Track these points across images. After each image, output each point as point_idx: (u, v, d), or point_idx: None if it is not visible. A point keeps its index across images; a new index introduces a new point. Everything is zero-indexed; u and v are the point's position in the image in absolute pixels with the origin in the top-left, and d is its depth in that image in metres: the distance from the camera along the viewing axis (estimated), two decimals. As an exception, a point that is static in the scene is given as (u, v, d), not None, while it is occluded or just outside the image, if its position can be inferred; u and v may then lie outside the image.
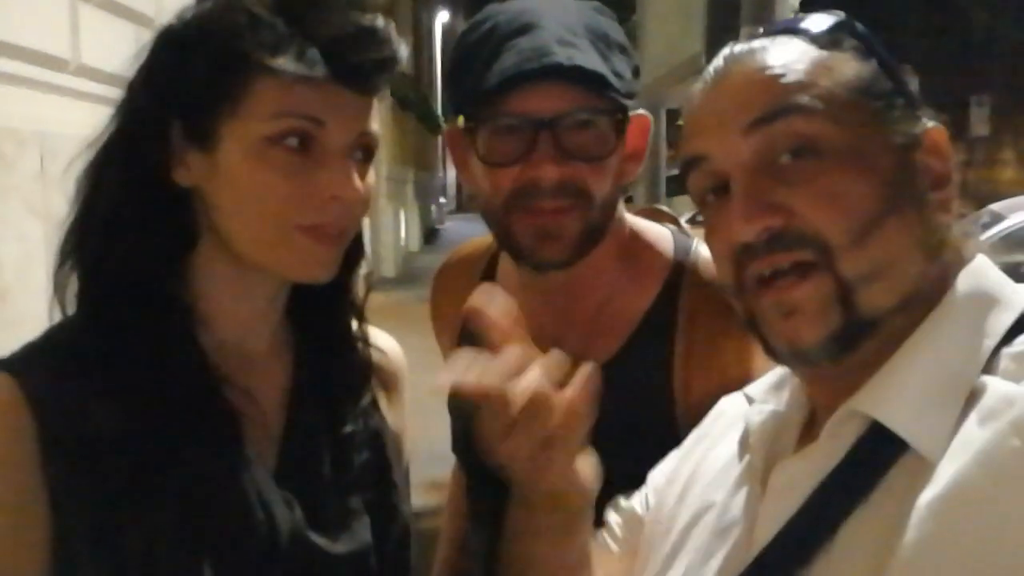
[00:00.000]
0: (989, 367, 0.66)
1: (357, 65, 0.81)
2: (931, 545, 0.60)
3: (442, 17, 28.01)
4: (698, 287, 1.09)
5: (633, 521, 0.92)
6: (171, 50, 0.84)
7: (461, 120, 1.08)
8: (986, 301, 0.70)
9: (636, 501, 0.94)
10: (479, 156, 1.05)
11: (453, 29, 25.56)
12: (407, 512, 0.99)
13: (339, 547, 0.88)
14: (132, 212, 0.83)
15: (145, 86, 0.85)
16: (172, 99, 0.83)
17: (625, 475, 0.93)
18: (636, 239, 1.16)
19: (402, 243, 15.33)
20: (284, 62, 0.78)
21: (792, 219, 0.70)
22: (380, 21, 0.83)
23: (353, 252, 0.93)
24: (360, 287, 0.99)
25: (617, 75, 1.02)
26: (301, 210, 0.82)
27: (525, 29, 1.01)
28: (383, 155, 13.03)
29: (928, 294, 0.71)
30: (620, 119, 1.04)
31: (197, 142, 0.83)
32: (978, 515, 0.59)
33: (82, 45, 2.82)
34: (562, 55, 0.99)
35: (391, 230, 13.50)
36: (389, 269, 13.02)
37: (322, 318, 0.96)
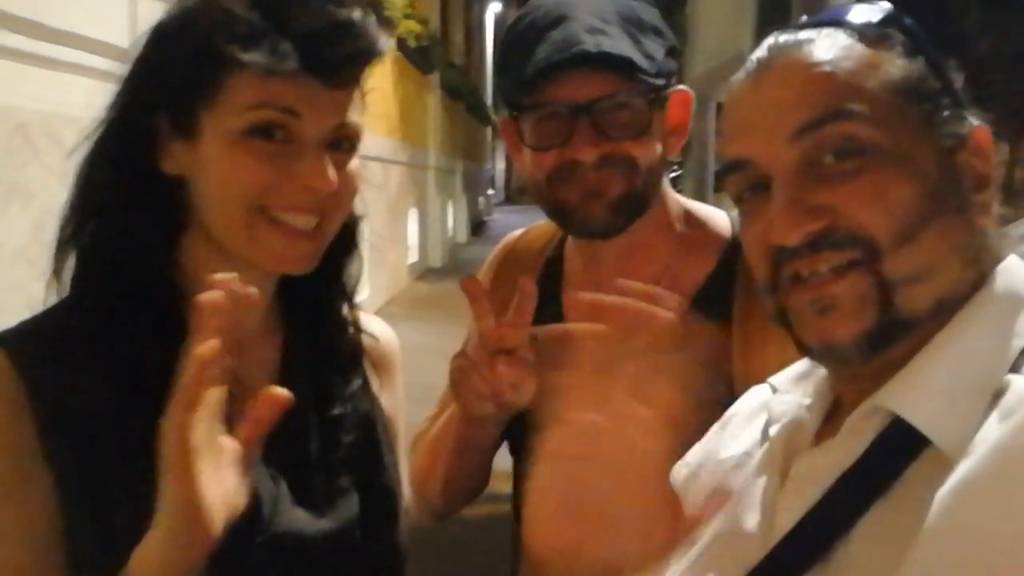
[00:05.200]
0: (1017, 366, 0.66)
1: (330, 58, 0.84)
2: (945, 539, 0.60)
3: (494, 8, 27.97)
4: None
5: None
6: (156, 45, 0.88)
7: (507, 112, 1.17)
8: (1016, 301, 0.70)
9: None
10: (524, 142, 1.14)
11: (504, 20, 25.49)
12: (397, 492, 1.01)
13: (324, 523, 0.90)
14: (123, 198, 0.87)
15: (135, 79, 0.89)
16: (158, 92, 0.86)
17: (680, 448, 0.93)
18: (690, 216, 1.22)
19: (449, 234, 15.37)
20: (256, 56, 0.81)
21: (837, 219, 0.69)
22: (357, 15, 0.85)
23: (344, 239, 0.97)
24: (354, 273, 1.01)
25: (648, 57, 1.08)
26: (275, 198, 0.85)
27: (558, 21, 1.09)
28: (432, 145, 13.07)
29: (963, 296, 0.70)
30: (654, 98, 1.10)
31: (181, 133, 0.86)
32: (989, 511, 0.59)
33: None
34: (590, 43, 1.06)
35: (439, 221, 13.54)
36: (436, 260, 13.07)
37: (312, 302, 0.99)
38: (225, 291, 0.69)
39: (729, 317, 1.12)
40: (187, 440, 0.66)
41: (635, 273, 1.15)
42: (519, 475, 1.25)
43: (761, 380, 0.98)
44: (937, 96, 0.72)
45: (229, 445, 0.72)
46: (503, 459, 1.31)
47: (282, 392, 0.71)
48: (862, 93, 0.70)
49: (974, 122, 0.74)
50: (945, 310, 0.70)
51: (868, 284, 0.68)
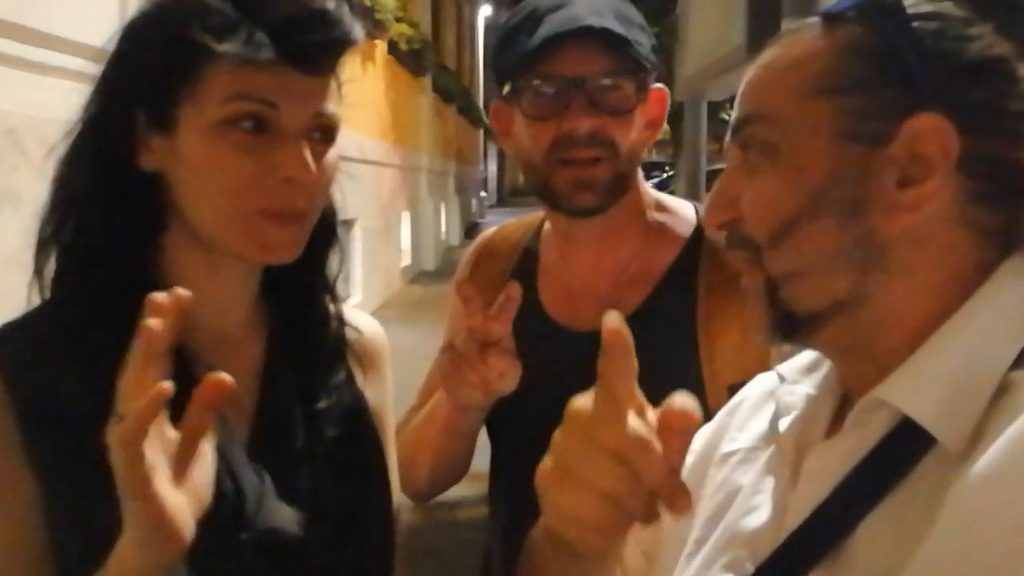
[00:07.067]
0: (1020, 362, 0.65)
1: (306, 47, 0.84)
2: (954, 537, 0.59)
3: (484, 11, 27.99)
4: (716, 251, 1.25)
5: None
6: (131, 39, 0.88)
7: (506, 88, 1.27)
8: (1019, 298, 0.68)
9: None
10: (522, 112, 1.24)
11: (496, 23, 25.49)
12: (385, 485, 1.01)
13: (310, 517, 0.90)
14: (102, 197, 0.87)
15: (111, 74, 0.88)
16: (134, 86, 0.86)
17: None
18: (660, 205, 1.35)
19: (442, 237, 15.39)
20: (232, 47, 0.81)
21: (740, 218, 0.74)
22: (331, 3, 0.85)
23: (324, 231, 0.97)
24: (335, 264, 1.02)
25: (638, 43, 1.22)
26: (257, 192, 0.85)
27: (561, 5, 1.22)
28: (424, 147, 13.07)
29: (956, 294, 0.69)
30: (642, 78, 1.23)
31: (158, 127, 0.86)
32: (999, 508, 0.58)
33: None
34: (593, 21, 1.18)
35: (431, 224, 13.55)
36: (429, 262, 13.08)
37: (295, 296, 0.99)
38: (168, 308, 0.67)
39: (695, 296, 1.25)
40: (142, 463, 0.65)
41: (609, 256, 1.31)
42: (497, 455, 1.37)
43: (722, 350, 1.17)
44: (871, 87, 0.68)
45: (179, 440, 0.70)
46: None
47: (225, 376, 0.68)
48: (776, 94, 0.72)
49: (922, 114, 0.67)
50: (844, 310, 0.70)
51: (759, 279, 0.74)
